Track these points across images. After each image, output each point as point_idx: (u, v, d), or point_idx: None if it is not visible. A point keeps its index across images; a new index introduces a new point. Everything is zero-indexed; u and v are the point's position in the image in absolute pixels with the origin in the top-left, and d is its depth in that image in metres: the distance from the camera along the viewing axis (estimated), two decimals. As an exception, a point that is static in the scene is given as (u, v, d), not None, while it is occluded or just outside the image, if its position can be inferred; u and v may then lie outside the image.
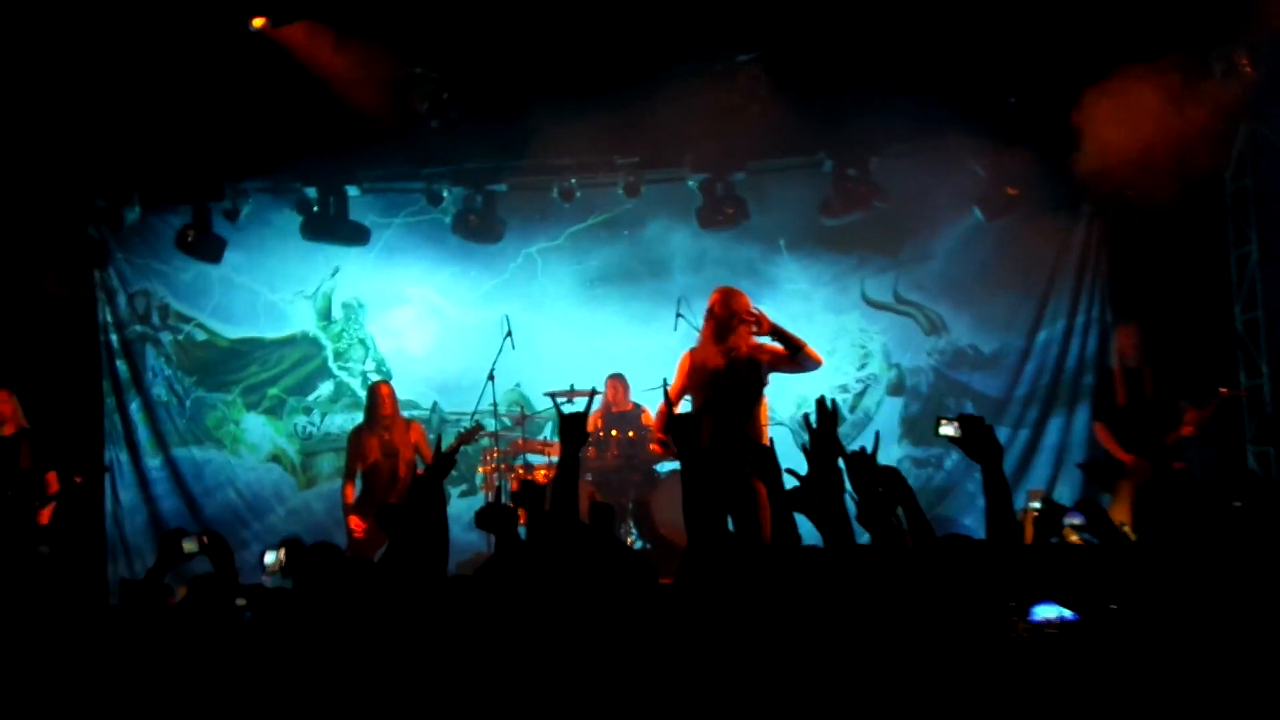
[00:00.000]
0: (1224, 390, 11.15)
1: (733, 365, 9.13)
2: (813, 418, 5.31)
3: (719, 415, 9.04)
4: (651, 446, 9.77)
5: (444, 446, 12.46)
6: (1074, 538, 9.32)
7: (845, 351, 14.28)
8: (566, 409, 6.75)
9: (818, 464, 5.18)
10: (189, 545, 6.38)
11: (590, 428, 12.80)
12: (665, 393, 8.88)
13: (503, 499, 12.72)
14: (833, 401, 5.38)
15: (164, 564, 6.26)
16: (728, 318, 9.18)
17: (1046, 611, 4.18)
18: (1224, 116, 12.01)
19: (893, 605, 4.43)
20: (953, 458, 13.83)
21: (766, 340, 9.21)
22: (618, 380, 12.84)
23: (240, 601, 5.73)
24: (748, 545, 7.62)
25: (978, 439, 5.15)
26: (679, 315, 11.52)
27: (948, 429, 5.39)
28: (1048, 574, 4.92)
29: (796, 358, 9.13)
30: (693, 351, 9.42)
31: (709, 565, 4.79)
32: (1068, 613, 4.18)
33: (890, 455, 13.76)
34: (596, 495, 12.35)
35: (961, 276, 13.88)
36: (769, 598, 4.51)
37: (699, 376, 9.24)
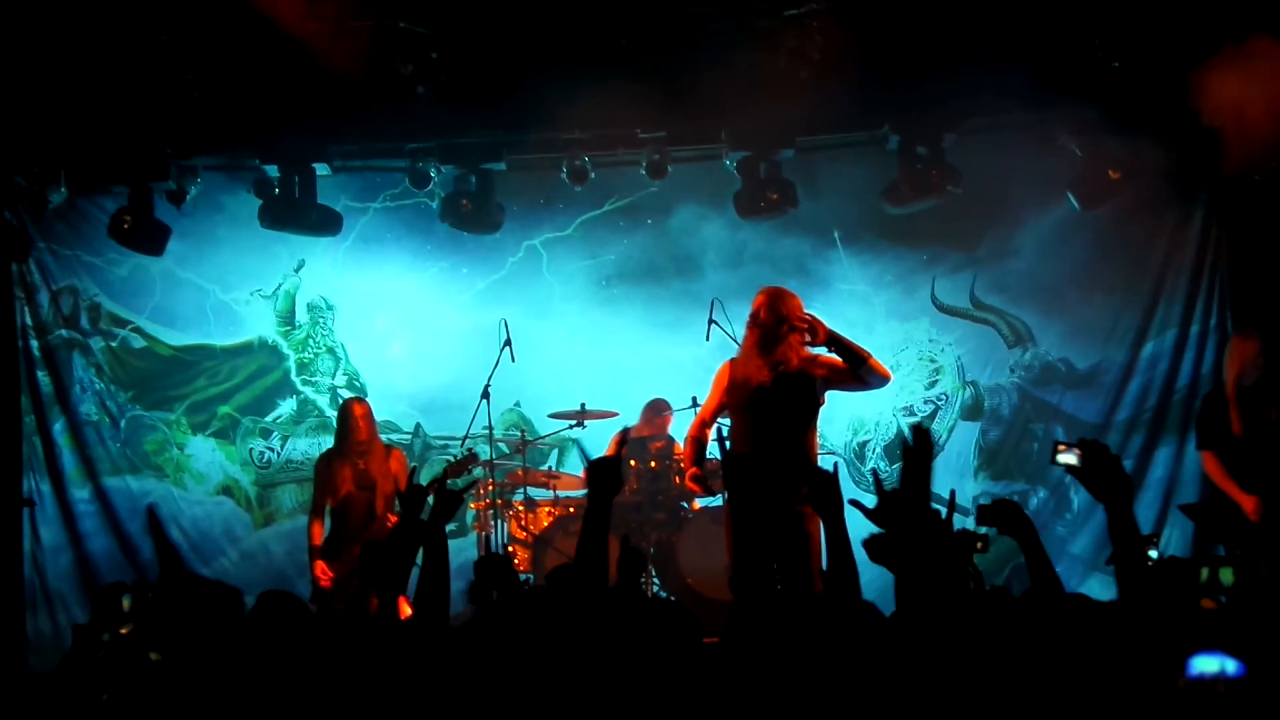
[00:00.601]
0: None
1: (781, 381, 8.99)
2: (910, 440, 5.18)
3: (764, 442, 8.89)
4: (687, 483, 9.61)
5: (430, 478, 12.33)
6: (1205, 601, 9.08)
7: (912, 366, 14.17)
8: (587, 443, 6.63)
9: (908, 502, 5.02)
10: (130, 603, 6.25)
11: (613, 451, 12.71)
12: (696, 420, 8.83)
13: (497, 542, 12.60)
14: (926, 431, 5.22)
15: (99, 624, 6.13)
16: (776, 324, 9.03)
17: (1208, 664, 3.94)
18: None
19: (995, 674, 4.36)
20: (1040, 495, 13.74)
21: (822, 351, 9.04)
22: (659, 409, 12.70)
23: (154, 656, 5.58)
24: (798, 598, 7.51)
25: (1104, 471, 4.99)
26: (711, 321, 11.40)
27: (1067, 456, 5.25)
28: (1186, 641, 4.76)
29: (859, 372, 8.98)
30: (733, 363, 9.30)
31: (761, 624, 4.72)
32: (1232, 665, 3.93)
33: (965, 492, 13.64)
34: (611, 537, 12.17)
35: (1052, 277, 13.77)
36: (825, 661, 4.45)
37: (740, 394, 9.09)
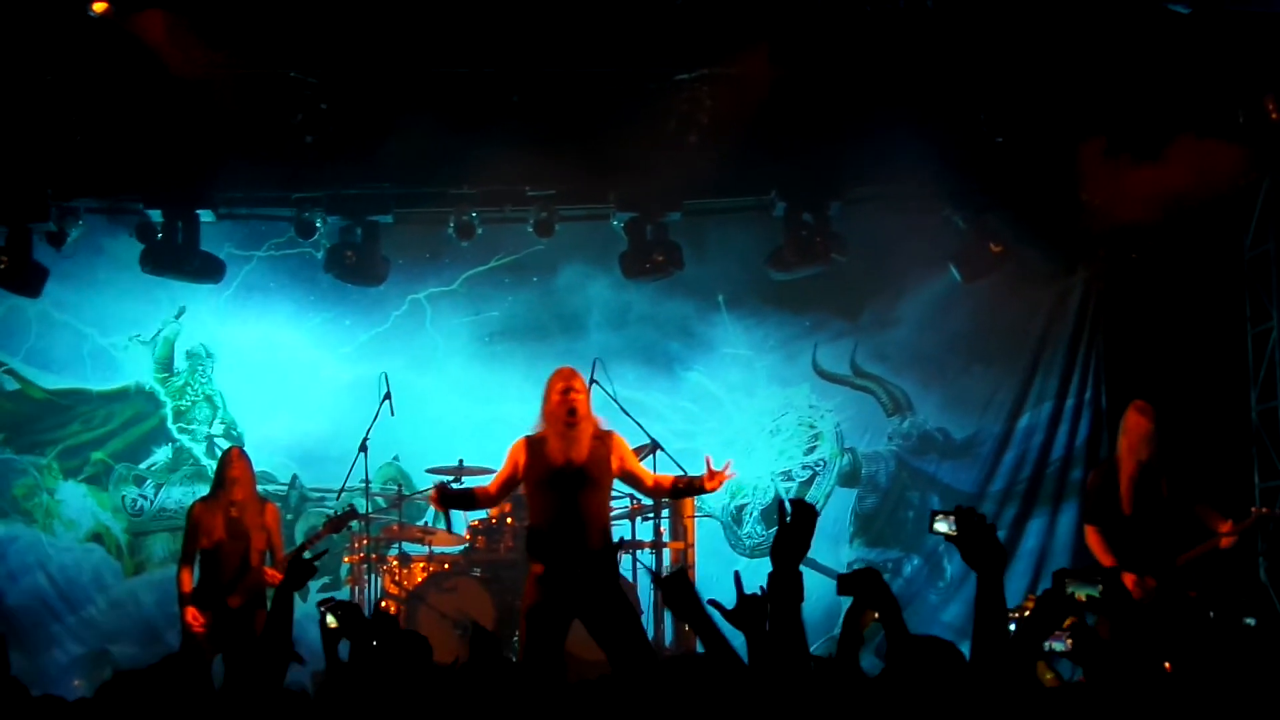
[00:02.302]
0: (1262, 510, 10.79)
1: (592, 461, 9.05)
2: (787, 512, 5.15)
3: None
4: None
5: (306, 533, 12.19)
6: (1047, 675, 9.22)
7: (791, 431, 14.18)
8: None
9: (780, 571, 5.00)
10: None
11: (496, 515, 12.63)
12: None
13: (370, 597, 12.45)
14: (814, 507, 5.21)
15: None
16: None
17: None
18: (1245, 171, 12.03)
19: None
20: (913, 563, 13.77)
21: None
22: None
23: None
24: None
25: (978, 540, 5.02)
26: (593, 381, 11.34)
27: (943, 525, 5.39)
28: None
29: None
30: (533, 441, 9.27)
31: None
32: None
33: (840, 558, 13.74)
34: (486, 595, 12.08)
35: (932, 347, 13.88)
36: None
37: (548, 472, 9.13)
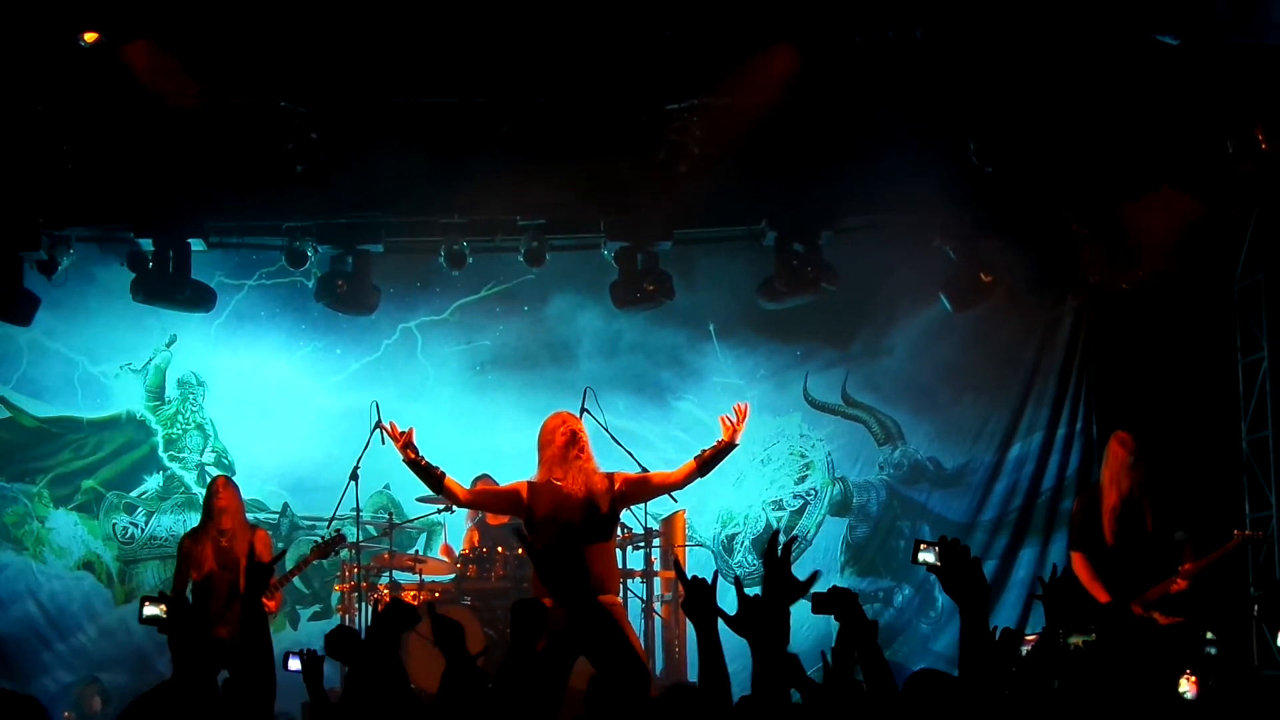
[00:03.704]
0: (1244, 533, 10.80)
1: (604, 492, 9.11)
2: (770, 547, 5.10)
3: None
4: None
5: (297, 559, 12.18)
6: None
7: (782, 460, 14.17)
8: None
9: (771, 603, 4.96)
10: None
11: (467, 546, 12.64)
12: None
13: (360, 625, 12.39)
14: (790, 538, 5.16)
15: None
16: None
17: None
18: (1235, 202, 12.05)
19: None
20: (904, 592, 13.72)
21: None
22: (485, 484, 12.60)
23: None
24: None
25: (961, 572, 5.03)
26: (584, 410, 11.33)
27: (927, 555, 5.37)
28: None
29: None
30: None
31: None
32: None
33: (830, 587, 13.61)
34: (476, 623, 12.05)
35: (923, 377, 13.86)
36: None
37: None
